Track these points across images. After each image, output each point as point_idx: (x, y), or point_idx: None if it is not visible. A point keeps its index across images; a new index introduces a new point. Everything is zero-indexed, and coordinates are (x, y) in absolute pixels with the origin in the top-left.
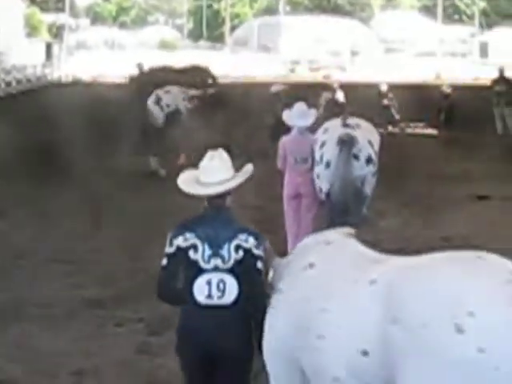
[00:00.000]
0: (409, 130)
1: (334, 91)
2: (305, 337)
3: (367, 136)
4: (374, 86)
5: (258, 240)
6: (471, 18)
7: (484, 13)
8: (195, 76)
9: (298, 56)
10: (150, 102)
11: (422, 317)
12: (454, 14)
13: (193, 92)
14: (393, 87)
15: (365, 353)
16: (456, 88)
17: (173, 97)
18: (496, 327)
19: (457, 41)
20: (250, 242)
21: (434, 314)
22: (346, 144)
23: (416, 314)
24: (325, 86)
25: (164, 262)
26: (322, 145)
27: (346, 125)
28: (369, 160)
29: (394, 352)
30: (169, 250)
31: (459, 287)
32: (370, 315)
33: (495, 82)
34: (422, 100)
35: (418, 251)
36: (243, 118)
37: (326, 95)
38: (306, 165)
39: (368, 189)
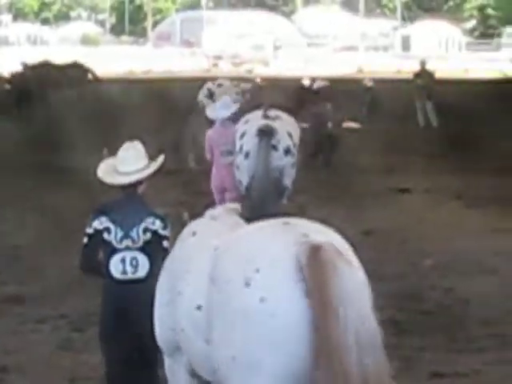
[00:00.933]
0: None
1: (255, 85)
2: (174, 296)
3: (287, 128)
4: (296, 81)
5: (164, 222)
6: (393, 11)
7: (406, 6)
8: (75, 73)
9: (220, 51)
10: (202, 95)
11: (226, 274)
12: (376, 8)
13: (244, 85)
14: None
15: (199, 307)
16: (378, 81)
17: (225, 90)
18: (276, 281)
19: (379, 34)
20: (157, 225)
21: (233, 272)
22: (265, 135)
23: (223, 273)
24: (247, 81)
25: (85, 240)
26: (242, 135)
27: (266, 116)
28: (287, 151)
29: (211, 306)
30: (88, 230)
31: (254, 247)
32: (205, 275)
33: (417, 75)
34: (345, 94)
35: None
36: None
37: (243, 86)
38: (230, 157)
39: (287, 180)
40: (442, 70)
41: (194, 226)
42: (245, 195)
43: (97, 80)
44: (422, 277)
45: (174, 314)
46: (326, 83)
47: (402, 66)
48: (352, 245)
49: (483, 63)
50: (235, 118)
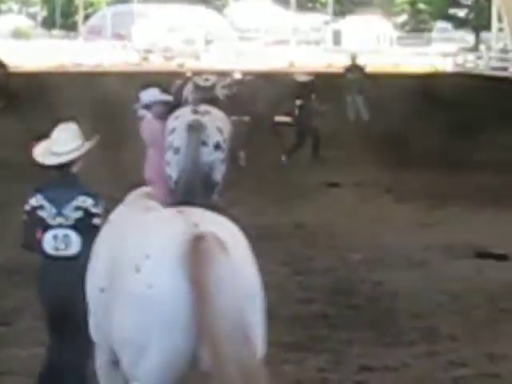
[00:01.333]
0: None
1: (187, 80)
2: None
3: (216, 123)
4: (227, 75)
5: (96, 200)
6: (324, 5)
7: (337, 1)
8: None
9: (151, 44)
10: (188, 90)
11: (122, 260)
12: (307, 3)
13: (229, 80)
14: (246, 75)
15: (102, 289)
16: (309, 75)
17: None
18: (163, 268)
19: (310, 29)
20: (88, 202)
21: (128, 257)
22: (195, 130)
23: (120, 258)
24: (178, 75)
25: (24, 217)
26: (172, 131)
27: (195, 111)
28: (217, 146)
29: (111, 289)
30: (26, 207)
31: (146, 234)
32: (108, 260)
33: (348, 69)
34: (277, 88)
35: (271, 238)
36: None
37: (178, 83)
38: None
39: (217, 175)
40: (373, 64)
41: (113, 212)
42: (173, 189)
43: (7, 72)
44: (351, 271)
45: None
46: (310, 77)
47: (333, 61)
48: (282, 239)
49: (414, 57)
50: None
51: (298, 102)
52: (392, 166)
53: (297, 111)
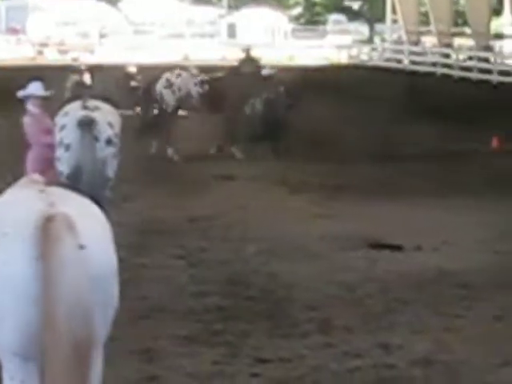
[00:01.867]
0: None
1: (81, 74)
2: None
3: (107, 118)
4: (122, 68)
5: None
6: None
7: None
8: None
9: (46, 38)
10: (161, 86)
11: None
12: None
13: (202, 76)
14: (141, 69)
15: None
16: (204, 69)
17: (184, 81)
18: (16, 246)
19: (205, 22)
20: None
21: None
22: (86, 126)
23: None
24: (73, 69)
25: None
26: (62, 128)
27: (85, 107)
28: (109, 141)
29: None
30: None
31: (6, 212)
32: None
33: (242, 62)
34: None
35: (166, 232)
36: None
37: (73, 78)
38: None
39: (110, 171)
40: (268, 57)
41: None
42: (65, 185)
43: None
44: (245, 263)
45: None
46: (274, 70)
47: (228, 54)
48: (177, 232)
49: (309, 50)
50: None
51: (264, 96)
52: (286, 158)
53: (261, 105)
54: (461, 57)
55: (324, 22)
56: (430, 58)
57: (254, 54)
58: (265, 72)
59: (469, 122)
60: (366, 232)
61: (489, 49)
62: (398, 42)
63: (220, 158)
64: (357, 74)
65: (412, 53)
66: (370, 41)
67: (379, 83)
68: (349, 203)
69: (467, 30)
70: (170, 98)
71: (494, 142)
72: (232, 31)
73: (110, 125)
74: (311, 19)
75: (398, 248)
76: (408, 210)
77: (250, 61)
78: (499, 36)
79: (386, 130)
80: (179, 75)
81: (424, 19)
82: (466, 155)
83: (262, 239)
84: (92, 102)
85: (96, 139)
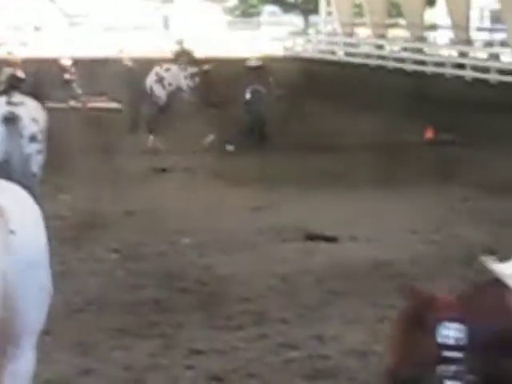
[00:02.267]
0: (91, 105)
1: (15, 67)
2: None
3: (31, 113)
4: (56, 61)
5: None
6: None
7: None
8: None
9: None
10: (151, 80)
11: None
12: None
13: (192, 70)
14: (76, 62)
15: None
16: (139, 61)
17: (174, 75)
18: None
19: (140, 14)
20: None
21: None
22: (10, 122)
23: None
24: (7, 62)
25: None
26: None
27: (9, 103)
28: (33, 138)
29: None
30: None
31: None
32: None
33: (177, 54)
34: (106, 74)
35: (102, 225)
36: None
37: (7, 71)
38: None
39: (35, 167)
40: (203, 49)
41: None
42: None
43: None
44: (181, 255)
45: None
46: (261, 62)
47: (163, 46)
48: (112, 225)
49: (244, 42)
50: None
51: (251, 87)
52: (222, 151)
53: (249, 96)
54: (395, 48)
55: (259, 14)
56: (364, 50)
57: (188, 46)
58: (252, 63)
59: (402, 113)
60: (303, 224)
61: (423, 40)
62: (333, 33)
63: (156, 150)
64: (291, 66)
65: (346, 44)
66: (304, 32)
67: (313, 75)
68: (285, 195)
69: (401, 21)
70: (161, 93)
71: (428, 133)
72: (167, 23)
73: (35, 121)
74: (246, 11)
75: (333, 239)
76: (344, 201)
77: (183, 53)
78: (433, 27)
79: (320, 122)
80: (168, 69)
81: (358, 11)
82: (400, 146)
83: (197, 232)
84: (18, 98)
85: (20, 135)
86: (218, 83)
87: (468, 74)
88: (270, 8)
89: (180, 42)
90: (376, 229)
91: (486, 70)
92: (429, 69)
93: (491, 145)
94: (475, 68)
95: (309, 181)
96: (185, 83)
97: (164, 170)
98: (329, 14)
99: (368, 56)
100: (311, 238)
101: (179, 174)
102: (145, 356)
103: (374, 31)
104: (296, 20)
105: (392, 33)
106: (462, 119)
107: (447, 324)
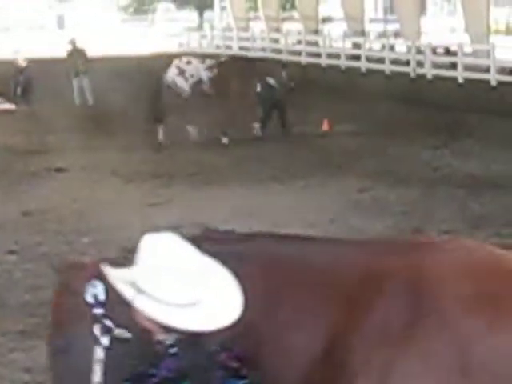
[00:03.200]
0: None
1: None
2: None
3: None
4: None
5: None
6: None
7: None
8: None
9: None
10: (173, 74)
11: None
12: None
13: (209, 61)
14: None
15: None
16: (33, 61)
17: (195, 67)
18: None
19: (34, 13)
20: None
21: None
22: None
23: None
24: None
25: None
26: None
27: None
28: None
29: None
30: None
31: None
32: None
33: (70, 54)
34: (1, 75)
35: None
36: None
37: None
38: None
39: None
40: (97, 47)
41: None
42: None
43: None
44: (80, 255)
45: None
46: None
47: (57, 45)
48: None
49: (138, 39)
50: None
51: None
52: (118, 149)
53: (259, 87)
54: (290, 41)
55: (153, 11)
56: (260, 44)
57: (81, 45)
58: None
59: (300, 106)
60: (200, 219)
61: (317, 32)
62: (228, 28)
63: (51, 150)
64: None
65: (241, 39)
66: (199, 28)
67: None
68: (182, 191)
69: (296, 15)
70: (184, 85)
71: (324, 125)
72: (61, 22)
73: None
74: (140, 8)
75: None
76: (240, 194)
77: (76, 52)
78: (328, 19)
79: (218, 116)
80: (189, 62)
81: (253, 5)
82: (298, 138)
83: (95, 231)
84: None
85: None
86: (233, 75)
87: (363, 64)
88: (164, 5)
89: (72, 42)
90: (273, 222)
91: (380, 60)
92: (324, 61)
93: (388, 135)
94: (370, 59)
95: (204, 175)
96: (205, 75)
97: (61, 169)
98: (223, 9)
99: (263, 50)
100: None
101: (76, 172)
102: (45, 358)
103: (268, 25)
104: (191, 16)
105: (287, 26)
106: (357, 110)
107: (92, 283)
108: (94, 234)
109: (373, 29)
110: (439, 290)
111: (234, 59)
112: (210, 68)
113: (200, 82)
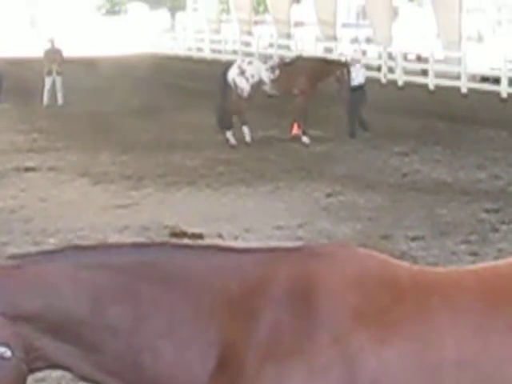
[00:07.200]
0: None
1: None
2: None
3: None
4: None
5: None
6: None
7: None
8: None
9: None
10: (234, 73)
11: None
12: None
13: (271, 62)
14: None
15: None
16: (5, 61)
17: (256, 67)
18: None
19: (7, 13)
20: None
21: None
22: None
23: None
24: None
25: None
26: None
27: None
28: None
29: None
30: None
31: None
32: None
33: (46, 53)
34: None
35: None
36: None
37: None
38: None
39: None
40: (72, 48)
41: None
42: None
43: None
44: None
45: None
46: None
47: (30, 44)
48: None
49: (112, 40)
50: None
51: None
52: (87, 150)
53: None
54: (261, 44)
55: (126, 12)
56: (231, 47)
57: (57, 45)
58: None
59: (269, 110)
60: (168, 221)
61: (289, 36)
62: (200, 30)
63: (20, 150)
64: (157, 63)
65: (213, 41)
66: (171, 30)
67: (181, 72)
68: (150, 193)
69: (268, 18)
70: (244, 85)
71: (294, 129)
72: (34, 22)
73: None
74: (112, 9)
75: (199, 236)
76: (210, 198)
77: (53, 52)
78: (300, 23)
79: (178, 118)
80: (251, 62)
81: (225, 7)
82: (267, 142)
83: (63, 231)
84: None
85: None
86: (299, 75)
87: None
88: (137, 5)
89: (51, 41)
90: (242, 225)
91: None
92: None
93: (357, 141)
94: None
95: (173, 178)
96: (266, 75)
97: (29, 169)
98: (195, 10)
99: (234, 53)
100: (176, 235)
101: (45, 172)
102: None
103: (240, 28)
104: (163, 17)
105: (259, 29)
106: (328, 115)
107: None
108: (61, 235)
109: (345, 34)
110: (329, 301)
111: (304, 59)
112: (271, 69)
113: (261, 82)
